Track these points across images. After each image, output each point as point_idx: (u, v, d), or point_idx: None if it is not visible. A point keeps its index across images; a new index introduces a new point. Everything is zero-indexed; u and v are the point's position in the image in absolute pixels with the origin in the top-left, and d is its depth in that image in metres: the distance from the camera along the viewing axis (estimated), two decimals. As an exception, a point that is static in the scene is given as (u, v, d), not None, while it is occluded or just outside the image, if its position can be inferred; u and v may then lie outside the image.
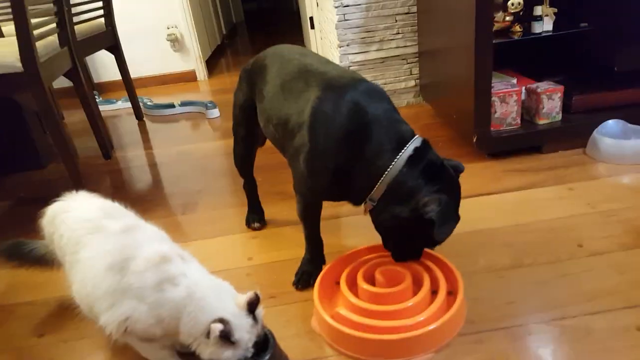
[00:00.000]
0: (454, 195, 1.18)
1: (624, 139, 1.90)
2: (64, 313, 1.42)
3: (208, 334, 0.98)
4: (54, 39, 2.19)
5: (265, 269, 1.53)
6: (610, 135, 1.92)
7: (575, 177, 1.84)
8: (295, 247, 1.58)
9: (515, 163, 2.00)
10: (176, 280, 1.03)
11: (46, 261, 1.36)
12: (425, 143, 1.19)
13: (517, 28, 2.00)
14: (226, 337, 0.98)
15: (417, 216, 1.12)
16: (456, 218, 1.18)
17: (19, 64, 1.86)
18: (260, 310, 1.06)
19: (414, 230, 1.18)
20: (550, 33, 1.98)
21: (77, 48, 2.41)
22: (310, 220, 1.39)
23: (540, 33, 1.98)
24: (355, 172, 1.19)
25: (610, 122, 1.96)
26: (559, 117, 2.03)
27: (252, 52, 5.49)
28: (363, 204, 1.22)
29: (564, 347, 1.11)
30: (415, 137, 1.19)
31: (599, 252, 1.41)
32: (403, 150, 1.15)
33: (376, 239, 1.30)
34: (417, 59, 2.73)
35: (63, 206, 1.24)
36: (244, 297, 1.05)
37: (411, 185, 1.14)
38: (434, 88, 2.51)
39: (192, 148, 2.69)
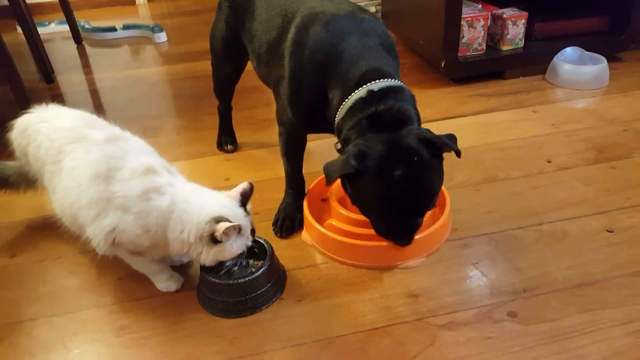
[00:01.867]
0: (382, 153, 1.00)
1: (581, 65, 1.98)
2: (35, 234, 1.36)
3: (206, 239, 0.97)
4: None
5: None
6: (568, 61, 2.00)
7: (537, 101, 1.92)
8: (271, 168, 1.58)
9: (480, 88, 2.05)
10: (162, 189, 1.00)
11: (11, 184, 1.28)
12: (375, 93, 1.04)
13: (485, -49, 1.99)
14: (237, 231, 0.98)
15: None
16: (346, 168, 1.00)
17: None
18: (249, 205, 1.06)
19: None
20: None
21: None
22: (293, 154, 1.30)
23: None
24: (325, 108, 1.13)
25: (568, 49, 2.04)
26: (522, 43, 2.08)
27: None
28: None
29: (543, 249, 1.18)
30: (374, 83, 1.05)
31: (566, 166, 1.49)
32: (349, 97, 1.06)
33: None
34: (377, -15, 2.68)
35: (36, 117, 1.16)
36: (237, 188, 1.05)
37: (346, 134, 1.06)
38: (398, 14, 2.47)
39: (142, 73, 2.54)
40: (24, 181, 1.27)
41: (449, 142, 1.01)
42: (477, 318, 1.01)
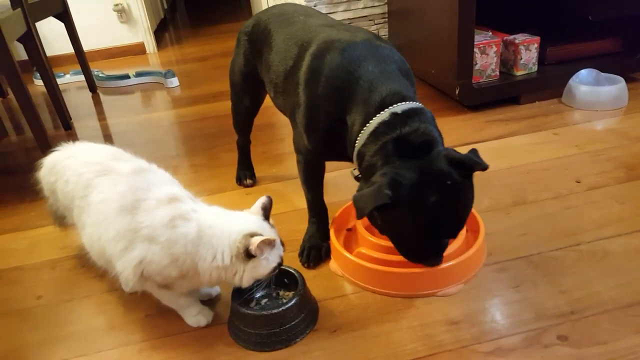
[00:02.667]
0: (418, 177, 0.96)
1: (598, 86, 1.97)
2: (60, 275, 1.33)
3: (241, 256, 0.95)
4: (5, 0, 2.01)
5: None
6: (584, 83, 1.99)
7: (556, 123, 1.90)
8: (290, 200, 1.56)
9: (496, 114, 2.04)
10: (187, 215, 0.98)
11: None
12: (399, 115, 1.01)
13: (493, -19, 2.02)
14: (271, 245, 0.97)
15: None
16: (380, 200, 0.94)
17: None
18: (271, 220, 1.05)
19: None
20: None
21: (28, 11, 2.22)
22: (312, 183, 1.27)
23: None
24: (343, 135, 1.11)
25: (583, 71, 2.03)
26: (535, 68, 2.08)
27: (190, 27, 5.34)
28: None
29: (585, 270, 1.14)
30: (396, 105, 1.02)
31: (596, 186, 1.46)
32: (370, 122, 1.03)
33: None
34: (384, 19, 2.72)
35: (63, 154, 1.16)
36: (257, 204, 1.04)
37: (370, 161, 1.02)
38: (407, 45, 2.50)
39: (156, 116, 2.56)
40: (56, 220, 1.26)
41: (478, 160, 0.99)
42: (525, 343, 0.96)
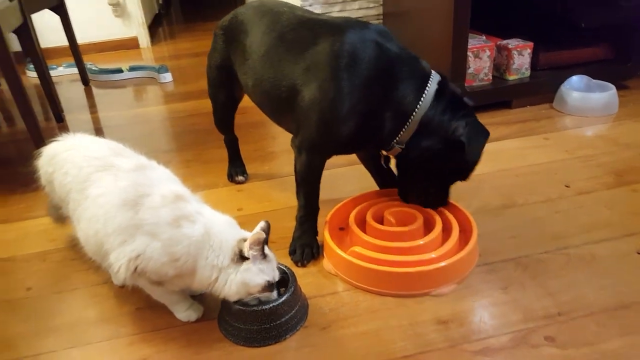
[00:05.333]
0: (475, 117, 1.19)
1: (589, 92, 1.99)
2: (50, 267, 1.32)
3: (236, 258, 0.96)
4: (1, -10, 1.99)
5: (258, 219, 1.42)
6: (575, 90, 2.01)
7: (547, 128, 1.92)
8: (282, 198, 1.56)
9: (487, 117, 2.05)
10: (193, 217, 0.98)
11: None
12: (444, 76, 1.18)
13: (488, -15, 2.03)
14: (262, 248, 0.97)
15: (449, 144, 1.13)
16: (485, 134, 1.17)
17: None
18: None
19: (446, 161, 1.17)
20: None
21: (24, 4, 2.21)
22: (312, 184, 1.27)
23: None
24: (384, 114, 1.15)
25: (575, 77, 2.06)
26: (528, 73, 2.10)
27: (185, 23, 5.32)
28: (388, 149, 1.20)
29: (573, 273, 1.15)
30: (433, 72, 1.18)
31: (586, 191, 1.48)
32: (428, 86, 1.14)
33: (366, 188, 1.35)
34: (379, 21, 2.73)
35: (64, 145, 1.14)
36: (256, 229, 1.01)
37: (440, 119, 1.14)
38: (401, 48, 2.51)
39: (149, 111, 2.56)
40: (52, 209, 1.26)
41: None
42: (513, 343, 0.97)
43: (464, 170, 1.20)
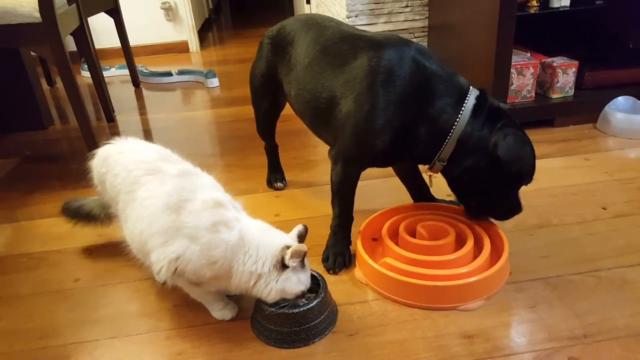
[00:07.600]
0: (518, 127, 1.20)
1: (635, 114, 1.96)
2: (97, 261, 1.41)
3: (278, 265, 1.01)
4: (62, -6, 2.13)
5: (293, 224, 1.48)
6: (621, 110, 1.98)
7: (588, 148, 1.90)
8: (318, 206, 1.60)
9: (529, 135, 2.01)
10: (230, 223, 1.03)
11: (93, 216, 1.37)
12: (483, 91, 1.20)
13: (534, 2, 2.03)
14: (302, 260, 1.02)
15: (491, 161, 1.14)
16: (523, 140, 1.19)
17: (37, 14, 1.79)
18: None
19: (494, 176, 1.19)
20: (568, 8, 2.02)
21: (82, 7, 2.34)
22: (347, 194, 1.31)
23: (558, 8, 2.02)
24: (419, 130, 1.18)
25: (620, 98, 2.03)
26: (572, 92, 2.08)
27: (233, 28, 5.45)
28: (430, 167, 1.23)
29: (602, 295, 1.15)
30: (471, 87, 1.20)
31: (623, 214, 1.46)
32: (465, 102, 1.16)
33: (400, 200, 1.35)
34: (424, 33, 2.75)
35: (116, 148, 1.22)
36: (293, 231, 1.09)
37: (479, 135, 1.16)
38: (443, 61, 2.50)
39: (195, 115, 2.65)
40: (104, 213, 1.34)
41: None
42: (536, 362, 0.99)
43: (521, 176, 1.21)
